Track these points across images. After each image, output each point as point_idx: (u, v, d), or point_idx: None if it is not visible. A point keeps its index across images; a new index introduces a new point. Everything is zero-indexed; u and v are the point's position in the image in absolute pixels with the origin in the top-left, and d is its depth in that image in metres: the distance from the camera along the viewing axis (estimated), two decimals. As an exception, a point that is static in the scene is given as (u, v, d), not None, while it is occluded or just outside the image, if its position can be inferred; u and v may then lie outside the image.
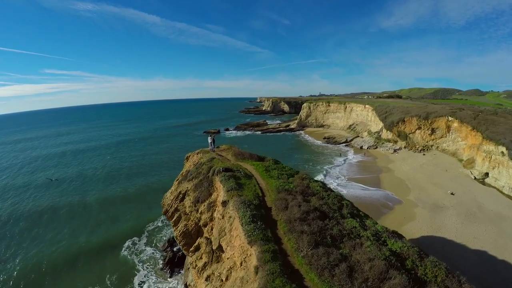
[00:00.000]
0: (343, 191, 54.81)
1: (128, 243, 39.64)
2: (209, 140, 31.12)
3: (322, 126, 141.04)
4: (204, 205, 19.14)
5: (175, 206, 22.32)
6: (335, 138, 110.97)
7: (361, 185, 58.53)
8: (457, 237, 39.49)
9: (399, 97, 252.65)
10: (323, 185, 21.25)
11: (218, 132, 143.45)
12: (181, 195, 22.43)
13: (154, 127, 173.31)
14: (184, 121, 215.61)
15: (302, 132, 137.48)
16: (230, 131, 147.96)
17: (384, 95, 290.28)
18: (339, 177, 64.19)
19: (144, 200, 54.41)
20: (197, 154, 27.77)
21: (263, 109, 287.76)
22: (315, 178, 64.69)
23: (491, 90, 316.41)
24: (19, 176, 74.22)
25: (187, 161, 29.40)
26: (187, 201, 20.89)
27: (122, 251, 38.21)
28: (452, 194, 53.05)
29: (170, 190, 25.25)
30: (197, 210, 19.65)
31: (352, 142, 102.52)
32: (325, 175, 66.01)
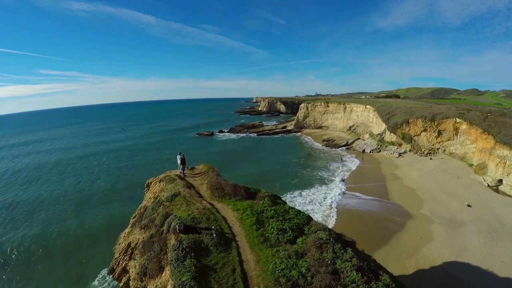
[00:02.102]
0: (346, 204, 48.99)
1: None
2: (178, 160, 22.83)
3: (320, 127, 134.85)
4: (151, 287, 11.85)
5: (123, 264, 15.42)
6: (334, 140, 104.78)
7: (365, 196, 52.31)
8: (483, 262, 33.69)
9: (397, 96, 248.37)
10: (356, 255, 11.95)
11: (212, 134, 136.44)
12: (130, 249, 15.43)
13: (147, 131, 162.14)
14: (178, 122, 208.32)
15: (299, 134, 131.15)
16: (224, 133, 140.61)
17: (382, 94, 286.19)
18: (340, 186, 58.13)
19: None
20: (160, 182, 19.81)
21: (259, 109, 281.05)
22: (314, 187, 58.43)
23: (487, 90, 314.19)
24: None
25: (148, 190, 21.17)
26: (133, 267, 13.82)
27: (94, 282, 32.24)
28: (469, 206, 47.39)
29: (124, 232, 18.08)
30: (144, 288, 12.73)
31: (354, 145, 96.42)
32: (324, 184, 59.94)
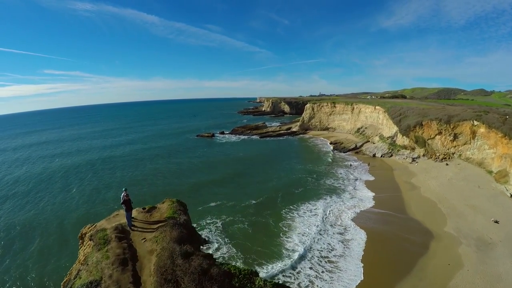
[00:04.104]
0: (359, 220, 43.68)
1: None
2: (122, 197, 15.56)
3: (327, 129, 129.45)
4: None
5: None
6: (342, 143, 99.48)
7: (379, 209, 47.04)
8: (522, 294, 28.67)
9: (404, 97, 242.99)
10: None
11: (212, 136, 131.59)
12: None
13: (148, 133, 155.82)
14: (180, 123, 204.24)
15: (308, 136, 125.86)
16: (224, 135, 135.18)
17: (387, 95, 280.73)
18: (351, 197, 52.70)
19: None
20: (91, 239, 13.30)
21: (263, 109, 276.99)
22: (322, 198, 51.51)
23: (493, 90, 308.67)
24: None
25: (82, 246, 14.63)
26: None
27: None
28: (496, 222, 42.15)
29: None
30: None
31: (363, 148, 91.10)
32: (334, 194, 54.52)
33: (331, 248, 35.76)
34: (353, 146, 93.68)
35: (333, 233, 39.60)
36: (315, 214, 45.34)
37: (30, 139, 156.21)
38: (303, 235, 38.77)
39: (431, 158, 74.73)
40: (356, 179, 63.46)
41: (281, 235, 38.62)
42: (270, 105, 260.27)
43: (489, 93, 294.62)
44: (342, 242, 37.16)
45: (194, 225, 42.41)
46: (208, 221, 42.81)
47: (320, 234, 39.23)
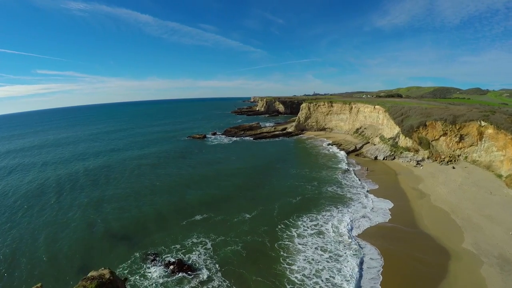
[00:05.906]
0: (366, 237, 38.82)
1: None
2: None
3: (323, 129, 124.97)
4: None
5: None
6: (341, 144, 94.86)
7: (386, 223, 42.38)
8: None
9: (400, 96, 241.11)
10: None
11: (204, 137, 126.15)
12: None
13: (140, 137, 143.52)
14: (173, 124, 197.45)
15: (302, 136, 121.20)
16: (216, 136, 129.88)
17: (382, 94, 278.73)
18: (355, 209, 47.34)
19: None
20: None
21: (257, 109, 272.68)
22: (325, 209, 45.61)
23: (487, 89, 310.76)
24: None
25: None
26: None
27: None
28: (516, 235, 37.79)
29: None
30: None
31: (363, 150, 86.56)
32: (338, 204, 49.26)
33: (342, 276, 30.40)
34: (353, 147, 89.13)
35: (342, 254, 34.10)
36: (319, 232, 39.60)
37: (21, 142, 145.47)
38: (310, 262, 32.69)
39: (436, 160, 70.58)
40: (359, 187, 58.28)
41: (281, 260, 32.82)
42: (265, 104, 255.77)
43: (485, 92, 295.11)
44: (357, 267, 31.79)
45: (177, 246, 36.94)
46: (195, 241, 37.10)
47: (329, 260, 33.41)
